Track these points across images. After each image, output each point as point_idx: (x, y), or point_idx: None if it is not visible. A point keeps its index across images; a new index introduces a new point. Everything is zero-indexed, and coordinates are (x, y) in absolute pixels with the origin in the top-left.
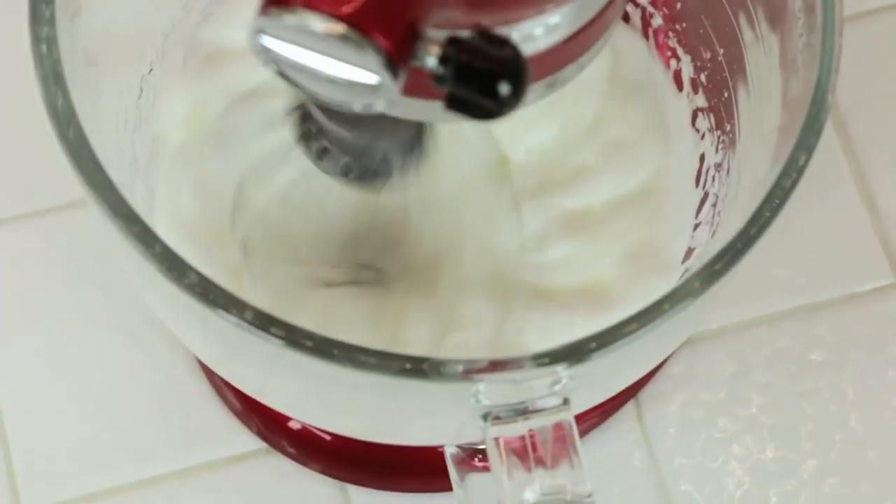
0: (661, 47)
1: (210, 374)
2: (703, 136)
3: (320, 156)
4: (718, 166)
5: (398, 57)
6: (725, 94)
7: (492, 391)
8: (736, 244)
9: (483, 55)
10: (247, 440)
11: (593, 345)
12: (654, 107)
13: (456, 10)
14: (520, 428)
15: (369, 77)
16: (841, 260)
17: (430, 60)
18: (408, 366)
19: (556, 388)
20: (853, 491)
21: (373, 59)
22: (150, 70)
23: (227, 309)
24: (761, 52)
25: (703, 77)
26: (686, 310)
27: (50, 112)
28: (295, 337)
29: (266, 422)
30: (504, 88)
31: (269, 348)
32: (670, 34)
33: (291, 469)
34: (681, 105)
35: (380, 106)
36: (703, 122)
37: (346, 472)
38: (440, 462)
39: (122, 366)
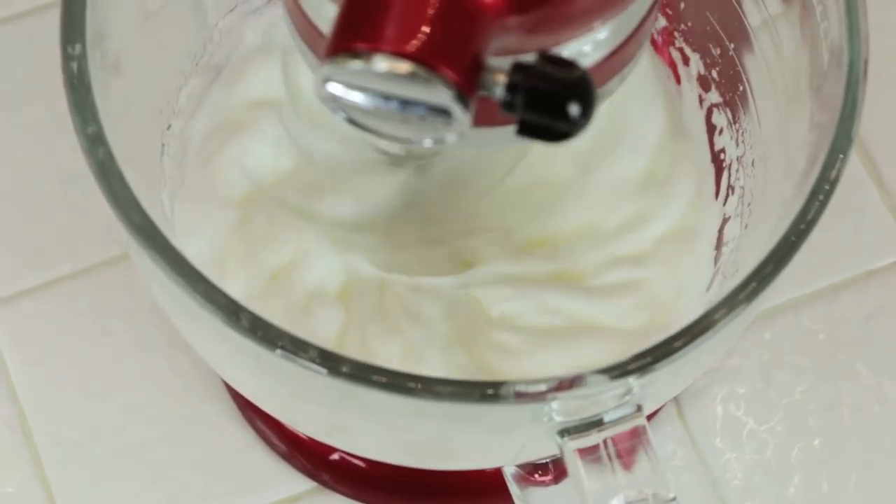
0: (661, 49)
1: (252, 420)
2: (720, 132)
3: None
4: (741, 159)
5: (467, 88)
6: (741, 88)
7: (566, 408)
8: (798, 225)
9: (550, 78)
10: (296, 481)
11: (662, 353)
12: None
13: (516, 37)
14: (597, 439)
15: (441, 111)
16: (856, 238)
17: (498, 89)
18: (487, 391)
19: (627, 398)
20: None
21: (443, 92)
22: (169, 126)
23: (293, 352)
24: (774, 35)
25: (714, 73)
26: (750, 305)
27: (100, 176)
28: (366, 374)
29: (312, 459)
30: (574, 109)
31: (338, 386)
32: (676, 34)
33: None
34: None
35: (451, 139)
36: (720, 118)
37: (395, 500)
38: (487, 480)
39: (162, 421)
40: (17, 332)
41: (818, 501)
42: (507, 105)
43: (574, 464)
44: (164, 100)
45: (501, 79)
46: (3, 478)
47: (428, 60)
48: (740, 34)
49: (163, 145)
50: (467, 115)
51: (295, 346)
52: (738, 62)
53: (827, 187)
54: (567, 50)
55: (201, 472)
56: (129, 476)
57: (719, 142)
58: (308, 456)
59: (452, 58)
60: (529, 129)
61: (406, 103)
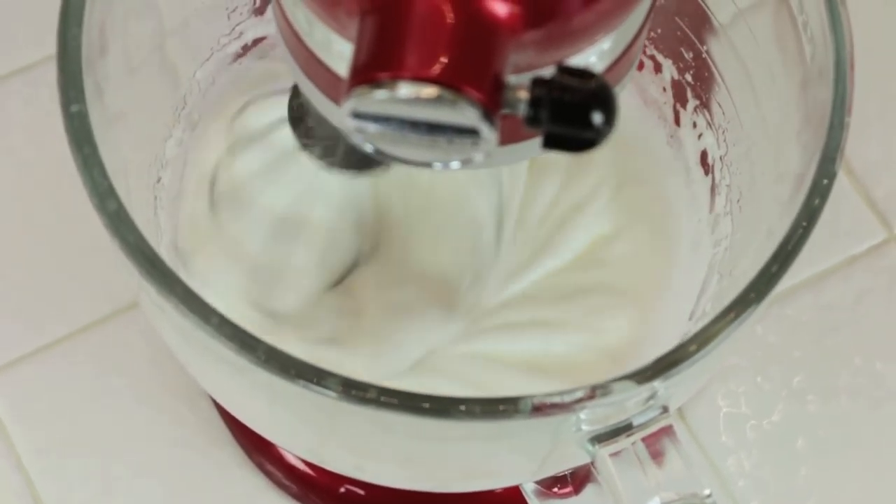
0: None
1: (261, 464)
2: (700, 136)
3: (306, 136)
4: (724, 158)
5: (492, 106)
6: (717, 88)
7: (594, 416)
8: (801, 221)
9: (572, 89)
10: None
11: (688, 351)
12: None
13: (531, 53)
14: (627, 443)
15: (468, 132)
16: (833, 226)
17: (521, 105)
18: (515, 406)
19: (652, 401)
20: None
21: (470, 112)
22: (159, 179)
23: (316, 382)
24: (749, 34)
25: (688, 77)
26: (765, 300)
27: (113, 228)
28: (389, 398)
29: (323, 496)
30: (598, 117)
31: (366, 413)
32: (646, 42)
33: None
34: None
35: (478, 159)
36: (700, 119)
37: None
38: (496, 500)
39: (171, 474)
40: (17, 398)
41: (828, 489)
42: (531, 120)
43: (608, 471)
44: (153, 153)
45: (523, 94)
46: None
47: (452, 82)
48: (713, 37)
49: (155, 198)
50: (494, 133)
51: (316, 376)
52: (712, 63)
53: (826, 182)
54: (576, 62)
55: None
56: None
57: (701, 143)
58: (320, 493)
59: (475, 77)
60: (555, 142)
61: (433, 128)
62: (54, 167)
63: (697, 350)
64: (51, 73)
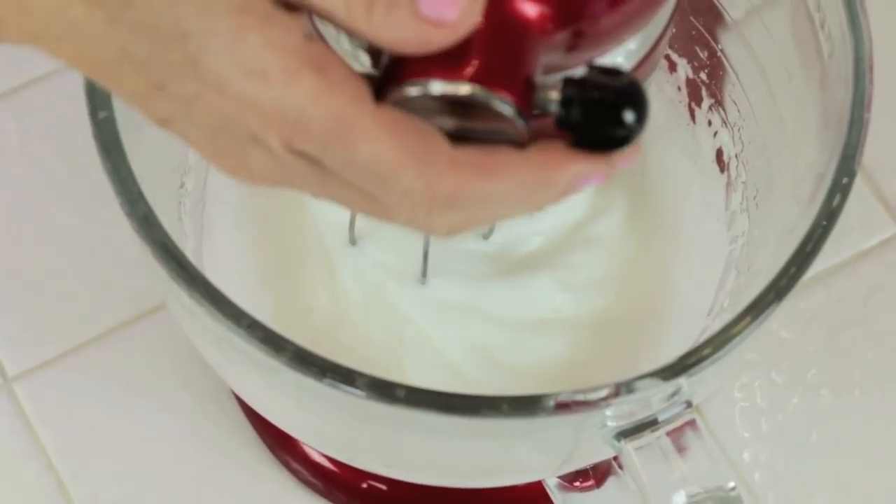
0: None
1: (286, 462)
2: (715, 134)
3: None
4: (739, 155)
5: (524, 108)
6: (732, 86)
7: (620, 412)
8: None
9: (605, 88)
10: None
11: (711, 349)
12: None
13: (561, 54)
14: (652, 439)
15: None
16: (843, 220)
17: (552, 105)
18: (539, 404)
19: (676, 397)
20: None
21: (503, 112)
22: (182, 184)
23: (344, 381)
24: (765, 34)
25: (703, 75)
26: (784, 299)
27: (143, 231)
28: (417, 397)
29: (347, 491)
30: (629, 116)
31: (393, 412)
32: None
33: None
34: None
35: None
36: (715, 117)
37: None
38: (515, 494)
39: (199, 473)
40: (45, 402)
41: (842, 481)
42: (563, 119)
43: (633, 465)
44: (176, 159)
45: (554, 95)
46: None
47: (484, 83)
48: (727, 34)
49: (179, 203)
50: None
51: (344, 376)
52: (726, 61)
53: (846, 180)
54: (604, 62)
55: None
56: None
57: (716, 141)
58: (343, 489)
59: (507, 80)
60: (587, 140)
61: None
62: (76, 175)
63: (720, 348)
64: (70, 82)
